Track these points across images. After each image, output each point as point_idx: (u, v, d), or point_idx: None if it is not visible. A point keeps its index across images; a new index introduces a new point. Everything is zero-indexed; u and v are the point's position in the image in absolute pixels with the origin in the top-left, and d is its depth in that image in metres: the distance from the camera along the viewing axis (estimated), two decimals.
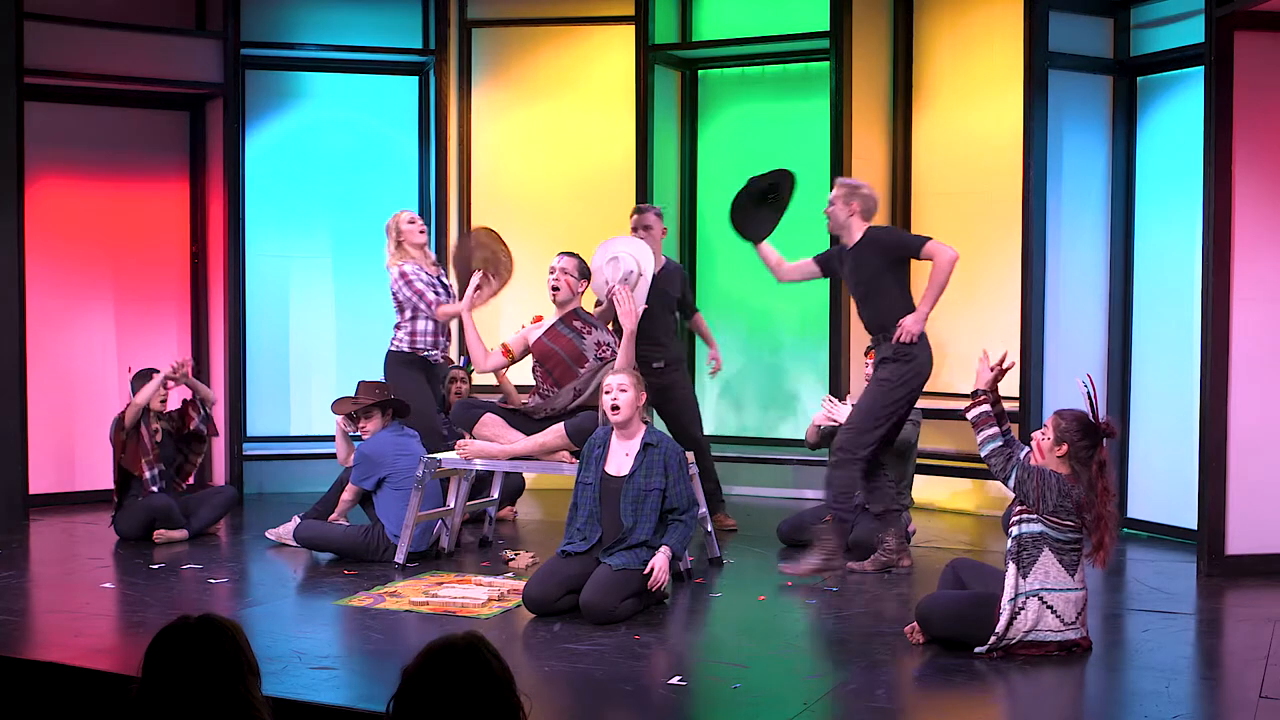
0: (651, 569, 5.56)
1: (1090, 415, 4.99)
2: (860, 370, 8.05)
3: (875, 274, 6.46)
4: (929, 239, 6.45)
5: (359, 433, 7.01)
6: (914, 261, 6.59)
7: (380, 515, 6.75)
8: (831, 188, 6.69)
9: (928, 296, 6.36)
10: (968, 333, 8.08)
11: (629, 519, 5.69)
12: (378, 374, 7.35)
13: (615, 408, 5.76)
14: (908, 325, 6.34)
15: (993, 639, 4.90)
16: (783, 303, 8.82)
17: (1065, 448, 4.97)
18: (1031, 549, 4.93)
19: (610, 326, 7.02)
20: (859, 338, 8.08)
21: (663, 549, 5.63)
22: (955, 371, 8.15)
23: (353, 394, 7.06)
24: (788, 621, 5.76)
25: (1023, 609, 4.91)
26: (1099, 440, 4.97)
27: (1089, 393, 5.02)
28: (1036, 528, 4.93)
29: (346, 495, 6.92)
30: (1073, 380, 7.25)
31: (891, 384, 6.42)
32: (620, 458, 5.80)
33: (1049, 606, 4.91)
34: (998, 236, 7.85)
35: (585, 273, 6.90)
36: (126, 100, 8.53)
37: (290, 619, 5.78)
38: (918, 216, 8.38)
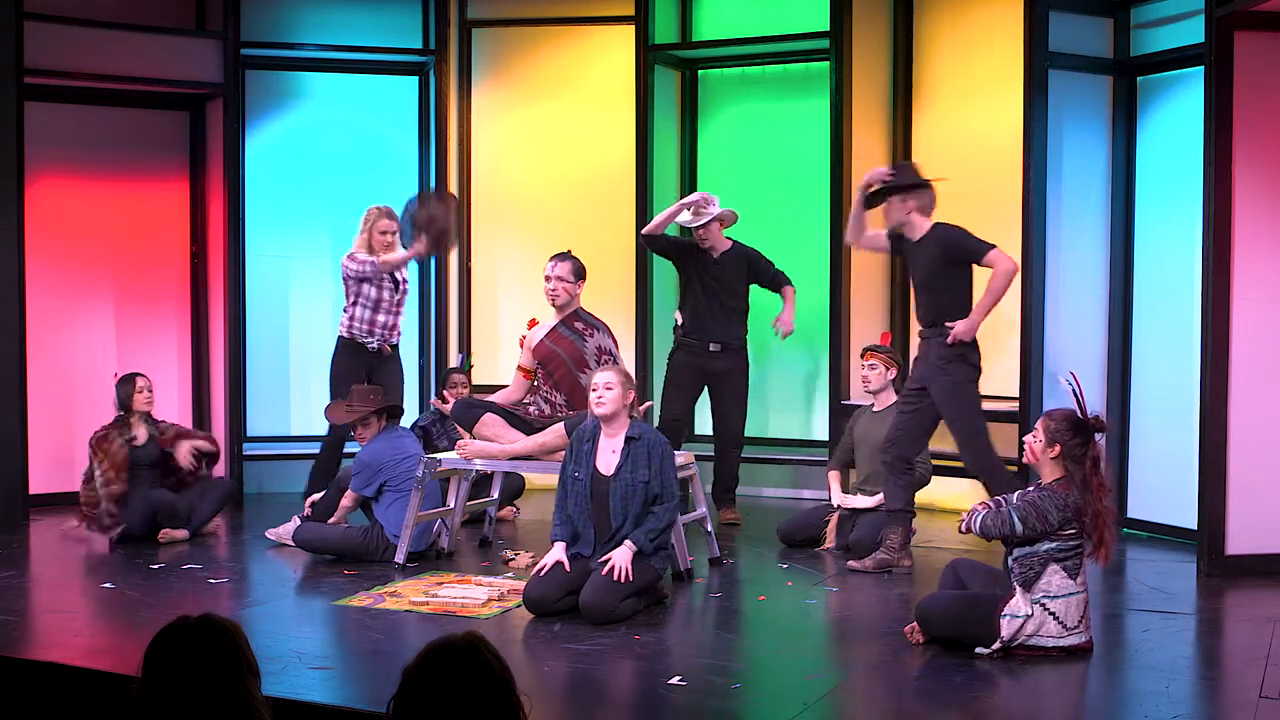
0: (609, 560, 5.57)
1: (1079, 412, 5.00)
2: (859, 371, 8.08)
3: (936, 270, 6.44)
4: (993, 247, 6.42)
5: (357, 439, 7.00)
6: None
7: (379, 517, 6.75)
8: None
9: (983, 304, 6.40)
10: None
11: (618, 517, 5.72)
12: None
13: (601, 402, 5.80)
14: (959, 330, 6.36)
15: (996, 645, 4.90)
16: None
17: (1058, 448, 4.97)
18: (1037, 566, 4.93)
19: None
20: (859, 338, 8.09)
21: (625, 544, 5.63)
22: None
23: (345, 400, 7.07)
24: (788, 621, 5.76)
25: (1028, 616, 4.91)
26: (1090, 436, 4.97)
27: (1074, 390, 5.04)
28: (1041, 546, 4.93)
29: (346, 502, 6.89)
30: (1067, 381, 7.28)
31: (963, 383, 6.44)
32: (608, 455, 5.83)
33: (1051, 613, 4.91)
34: (998, 236, 7.78)
35: (581, 273, 6.85)
36: (126, 100, 8.53)
37: (290, 619, 5.79)
38: None
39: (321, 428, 8.22)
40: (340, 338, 7.80)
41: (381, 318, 7.75)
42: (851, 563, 6.58)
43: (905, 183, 6.50)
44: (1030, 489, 5.03)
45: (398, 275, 7.82)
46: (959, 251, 6.44)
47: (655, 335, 8.69)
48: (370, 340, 7.74)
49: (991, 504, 5.06)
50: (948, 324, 6.39)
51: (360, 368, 7.69)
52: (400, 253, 7.61)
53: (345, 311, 7.79)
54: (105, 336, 8.53)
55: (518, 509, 8.02)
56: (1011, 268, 6.40)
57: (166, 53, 8.40)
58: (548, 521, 7.74)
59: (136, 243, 8.66)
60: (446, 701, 2.67)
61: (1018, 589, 4.94)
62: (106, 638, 5.49)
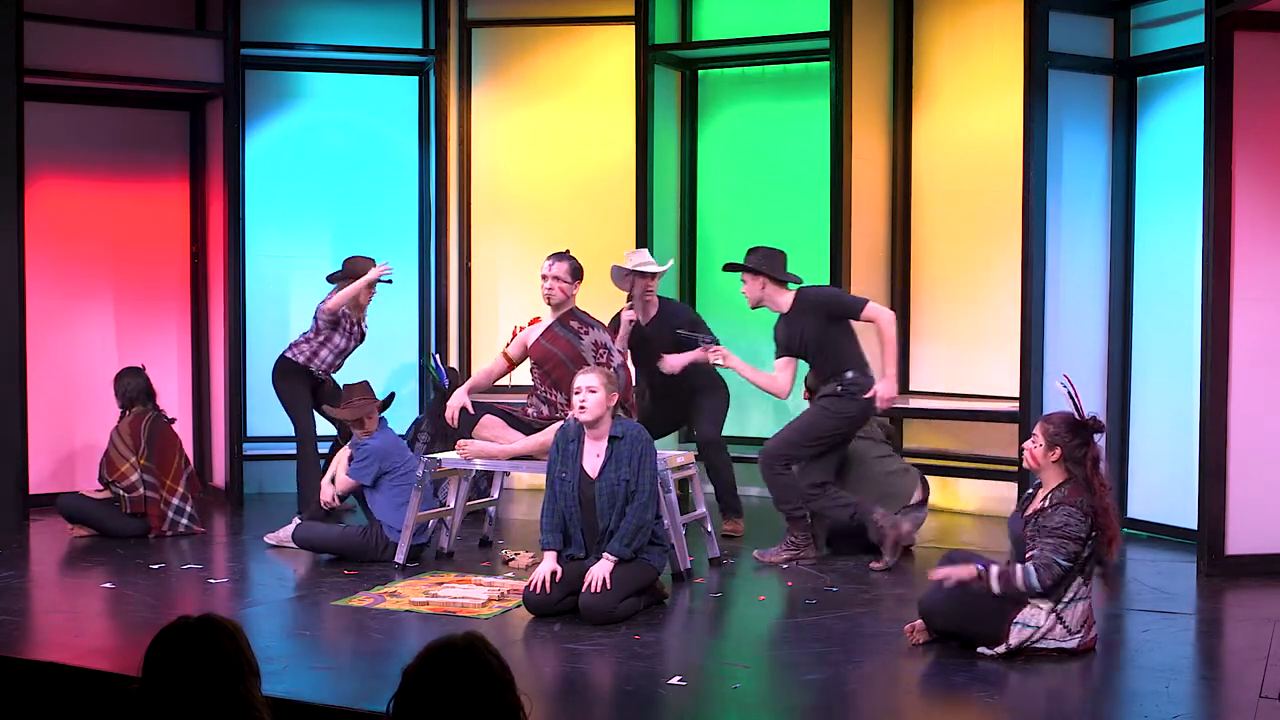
0: (589, 580, 5.54)
1: (1076, 414, 5.00)
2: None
3: (820, 331, 6.68)
4: (868, 301, 6.77)
5: (361, 438, 6.97)
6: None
7: (376, 510, 6.74)
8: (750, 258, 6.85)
9: (891, 360, 6.68)
10: (968, 332, 8.08)
11: (605, 519, 5.70)
12: (377, 374, 7.40)
13: (583, 408, 5.77)
14: (883, 393, 6.60)
15: (1000, 649, 4.89)
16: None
17: (1058, 451, 4.97)
18: (1066, 579, 4.93)
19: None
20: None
21: (604, 556, 5.60)
22: (955, 371, 8.15)
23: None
24: (788, 621, 5.76)
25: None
26: (1089, 437, 4.97)
27: (1070, 392, 5.04)
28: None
29: (341, 488, 6.87)
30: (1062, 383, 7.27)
31: (831, 414, 6.67)
32: (592, 458, 5.81)
33: (1060, 619, 4.91)
34: (998, 236, 7.84)
35: (578, 273, 6.82)
36: (126, 100, 8.53)
37: (290, 619, 5.79)
38: (918, 216, 8.38)
39: (320, 428, 8.23)
40: (291, 361, 7.78)
41: (339, 363, 7.88)
42: (757, 553, 6.75)
43: (755, 268, 6.76)
44: (1056, 517, 4.92)
45: (362, 326, 7.87)
46: (837, 309, 6.75)
47: None
48: (319, 374, 7.85)
49: (1033, 561, 4.90)
50: (847, 375, 6.65)
51: (305, 387, 7.78)
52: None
53: (310, 342, 7.77)
54: (105, 336, 8.54)
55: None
56: (892, 316, 6.77)
57: (166, 53, 8.40)
58: None
59: (136, 243, 8.66)
60: (446, 701, 2.67)
61: (1046, 604, 4.92)
62: (106, 638, 5.50)
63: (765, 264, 6.74)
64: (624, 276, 7.44)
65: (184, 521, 7.34)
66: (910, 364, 8.34)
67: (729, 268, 6.90)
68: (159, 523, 7.29)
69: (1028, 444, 5.09)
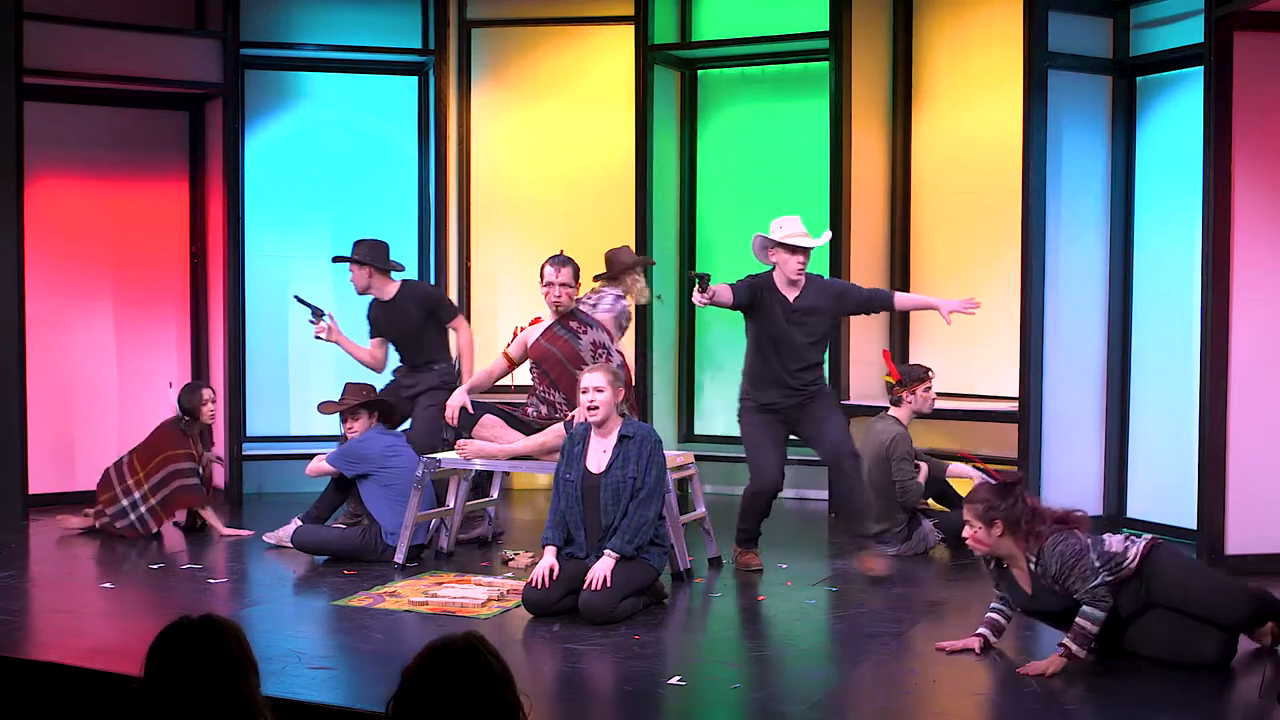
0: (591, 577, 5.54)
1: (989, 480, 4.91)
2: (858, 370, 8.12)
3: (413, 324, 7.37)
4: (459, 314, 7.67)
5: (346, 433, 7.05)
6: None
7: (373, 512, 6.75)
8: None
9: (465, 371, 7.34)
10: (968, 333, 8.07)
11: (609, 515, 5.71)
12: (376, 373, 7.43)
13: (594, 408, 5.78)
14: (453, 404, 6.80)
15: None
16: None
17: (999, 524, 4.83)
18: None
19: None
20: (858, 338, 8.10)
21: (606, 554, 5.60)
22: (955, 371, 8.15)
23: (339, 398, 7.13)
24: (788, 621, 5.76)
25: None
26: (1017, 493, 4.86)
27: (979, 470, 5.02)
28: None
29: (321, 465, 6.94)
30: (1072, 383, 7.28)
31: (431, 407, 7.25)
32: (599, 455, 5.82)
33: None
34: (998, 236, 7.85)
35: (578, 275, 6.82)
36: (126, 100, 8.53)
37: (289, 619, 5.79)
38: (917, 216, 8.39)
39: (320, 428, 8.23)
40: None
41: None
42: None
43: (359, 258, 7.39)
44: (1060, 566, 4.79)
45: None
46: (434, 305, 7.45)
47: (654, 335, 8.69)
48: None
49: (1084, 604, 4.77)
50: (435, 366, 7.38)
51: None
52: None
53: None
54: (105, 336, 8.54)
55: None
56: (471, 335, 7.60)
57: (166, 53, 8.40)
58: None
59: (136, 243, 8.66)
60: (446, 701, 2.67)
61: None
62: (106, 638, 5.49)
63: (369, 255, 7.36)
64: (764, 249, 6.70)
65: (130, 520, 7.22)
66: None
67: (337, 259, 7.56)
68: (105, 511, 7.21)
69: (968, 534, 4.89)
